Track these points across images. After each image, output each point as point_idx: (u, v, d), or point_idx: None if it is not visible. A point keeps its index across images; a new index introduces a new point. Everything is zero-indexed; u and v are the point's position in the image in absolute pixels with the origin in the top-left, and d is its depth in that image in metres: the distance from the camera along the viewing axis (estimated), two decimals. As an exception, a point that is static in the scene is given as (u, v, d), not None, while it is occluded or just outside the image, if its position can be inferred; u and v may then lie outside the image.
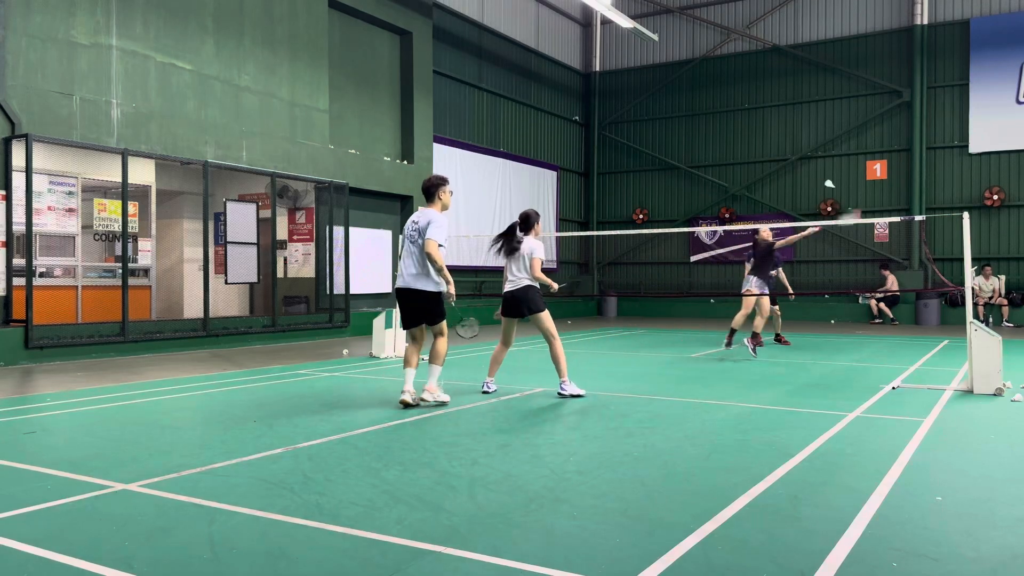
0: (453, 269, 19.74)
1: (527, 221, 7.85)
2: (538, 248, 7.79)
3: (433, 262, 6.81)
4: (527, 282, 7.70)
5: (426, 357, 7.76)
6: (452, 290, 6.99)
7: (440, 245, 6.84)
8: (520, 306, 7.70)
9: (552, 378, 9.00)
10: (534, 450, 5.31)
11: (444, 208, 7.14)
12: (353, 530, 3.62)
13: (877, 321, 20.40)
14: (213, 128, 13.23)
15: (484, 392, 7.86)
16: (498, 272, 21.50)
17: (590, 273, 25.37)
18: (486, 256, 21.01)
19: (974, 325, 7.87)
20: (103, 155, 11.92)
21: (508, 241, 7.78)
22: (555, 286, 7.94)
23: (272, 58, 14.31)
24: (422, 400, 6.97)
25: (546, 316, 7.71)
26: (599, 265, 25.42)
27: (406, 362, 7.09)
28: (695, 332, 16.71)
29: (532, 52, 23.34)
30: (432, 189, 7.14)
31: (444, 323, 7.09)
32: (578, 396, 7.54)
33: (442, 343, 7.10)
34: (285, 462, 4.94)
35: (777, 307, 12.70)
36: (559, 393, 7.58)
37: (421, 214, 7.03)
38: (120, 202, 11.77)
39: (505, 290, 7.81)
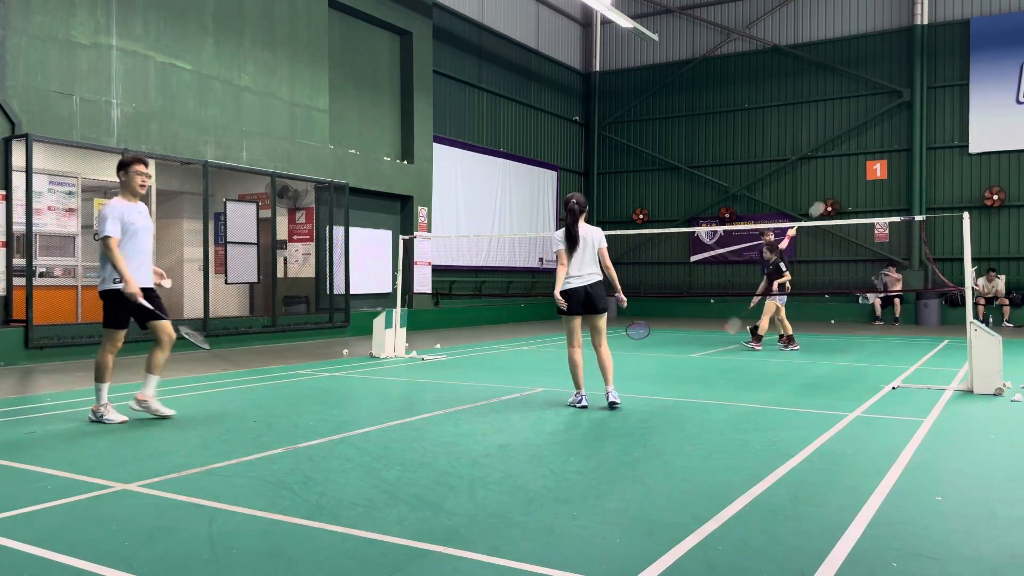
0: (454, 269, 19.78)
1: (583, 205, 7.06)
2: (603, 236, 7.15)
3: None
4: (599, 277, 7.04)
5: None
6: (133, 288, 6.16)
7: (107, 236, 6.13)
8: (594, 302, 6.96)
9: (552, 378, 8.99)
10: (534, 450, 5.31)
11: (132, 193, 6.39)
12: (353, 530, 3.62)
13: (879, 323, 20.39)
14: (213, 128, 13.23)
15: (582, 407, 6.97)
16: (498, 272, 21.55)
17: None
18: (486, 256, 21.02)
19: (974, 325, 7.87)
20: (103, 155, 11.92)
21: (574, 230, 6.97)
22: (623, 299, 7.30)
23: (272, 58, 14.31)
24: None
25: (605, 316, 7.15)
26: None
27: None
28: (695, 332, 16.71)
29: (532, 52, 23.34)
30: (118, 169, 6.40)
31: (119, 333, 6.36)
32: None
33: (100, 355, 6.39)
34: (285, 462, 4.94)
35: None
36: (612, 404, 6.87)
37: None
38: (120, 202, 11.76)
39: (573, 285, 6.97)
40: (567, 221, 7.05)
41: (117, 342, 6.42)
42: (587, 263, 7.01)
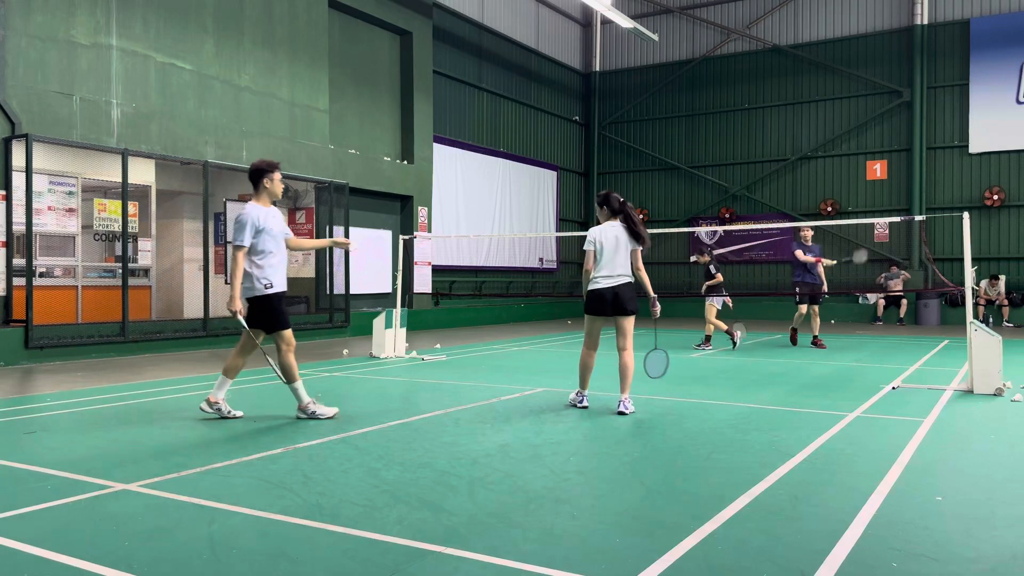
0: (454, 269, 19.78)
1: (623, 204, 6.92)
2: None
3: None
4: (629, 278, 6.89)
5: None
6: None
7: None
8: (623, 303, 6.80)
9: (552, 378, 8.98)
10: (534, 450, 5.30)
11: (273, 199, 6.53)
12: (353, 530, 3.62)
13: (879, 323, 20.39)
14: (213, 128, 13.23)
15: (583, 407, 6.97)
16: (498, 272, 21.55)
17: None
18: (486, 256, 21.02)
19: (974, 325, 7.87)
20: (103, 155, 11.92)
21: (631, 227, 6.83)
22: (658, 307, 7.06)
23: (272, 58, 14.31)
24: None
25: (633, 319, 6.95)
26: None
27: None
28: (695, 332, 16.70)
29: (532, 52, 23.34)
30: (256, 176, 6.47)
31: (285, 333, 6.41)
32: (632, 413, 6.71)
33: (280, 357, 6.48)
34: (285, 462, 4.94)
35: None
36: (620, 412, 6.67)
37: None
38: (120, 202, 11.77)
39: (602, 286, 6.82)
40: (630, 220, 6.90)
41: (290, 340, 6.48)
42: (620, 264, 6.89)
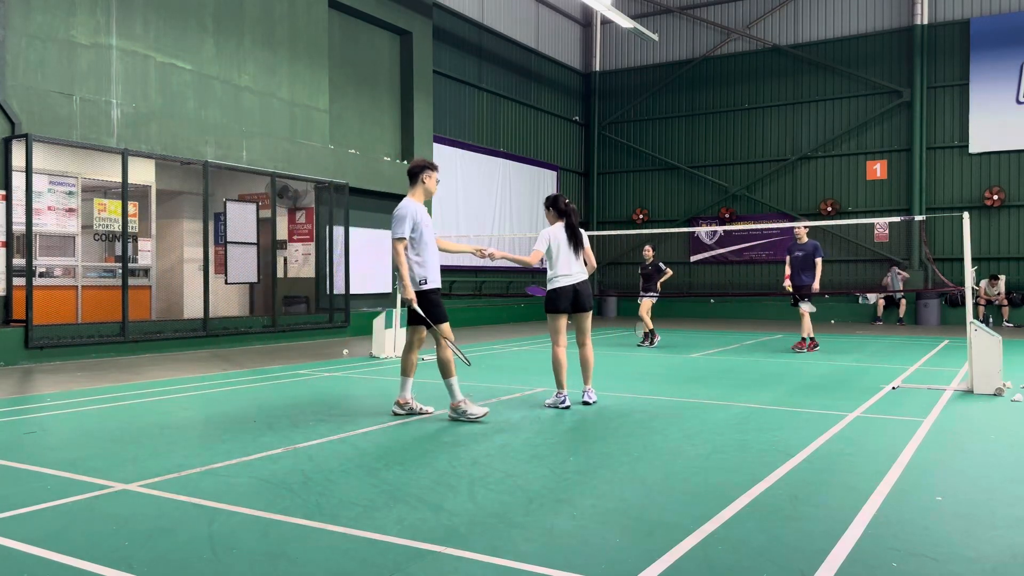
0: (455, 269, 19.79)
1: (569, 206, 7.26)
2: (585, 235, 7.40)
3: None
4: (585, 275, 7.20)
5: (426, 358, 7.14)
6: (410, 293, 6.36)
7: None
8: (582, 300, 7.10)
9: (552, 378, 9.00)
10: (534, 450, 5.31)
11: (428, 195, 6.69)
12: (353, 530, 3.62)
13: (879, 323, 20.39)
14: (213, 128, 13.23)
15: (565, 407, 6.95)
16: (498, 272, 21.56)
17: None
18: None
19: (974, 325, 7.87)
20: (103, 155, 11.92)
21: (575, 229, 7.20)
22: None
23: (272, 58, 14.31)
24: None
25: (591, 315, 7.31)
26: (599, 265, 25.39)
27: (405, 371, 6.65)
28: (694, 332, 16.71)
29: (532, 52, 23.34)
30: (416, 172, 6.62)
31: (443, 327, 6.46)
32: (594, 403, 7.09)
33: (438, 352, 6.51)
34: (285, 462, 4.94)
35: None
36: (585, 402, 7.03)
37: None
38: (120, 202, 11.78)
39: (562, 284, 7.08)
40: (570, 221, 7.26)
41: (448, 334, 6.48)
42: (575, 262, 7.19)
